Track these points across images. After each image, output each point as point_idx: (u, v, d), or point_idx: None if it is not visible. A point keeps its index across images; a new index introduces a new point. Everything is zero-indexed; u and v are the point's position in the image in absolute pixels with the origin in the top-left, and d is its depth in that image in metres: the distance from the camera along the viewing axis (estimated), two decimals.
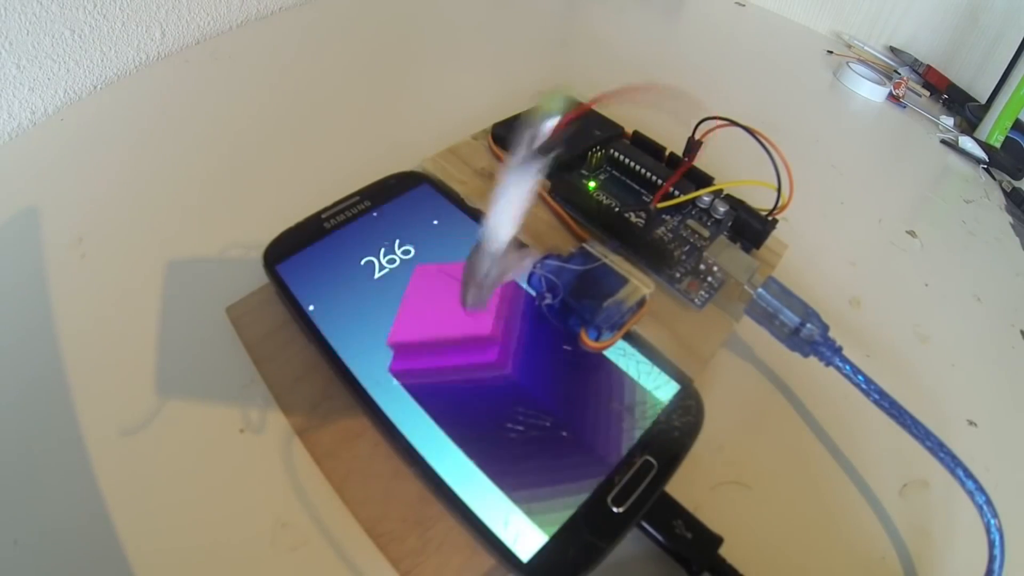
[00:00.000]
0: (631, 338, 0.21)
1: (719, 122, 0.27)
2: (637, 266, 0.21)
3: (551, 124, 0.16)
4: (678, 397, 0.20)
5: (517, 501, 0.17)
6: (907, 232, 0.35)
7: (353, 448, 0.19)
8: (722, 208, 0.28)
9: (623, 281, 0.20)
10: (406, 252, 0.23)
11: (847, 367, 0.21)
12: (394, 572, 0.17)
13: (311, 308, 0.21)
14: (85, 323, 0.22)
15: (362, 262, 0.23)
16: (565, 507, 0.17)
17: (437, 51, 0.42)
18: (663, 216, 0.28)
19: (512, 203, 0.16)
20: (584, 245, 0.22)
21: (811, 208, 0.33)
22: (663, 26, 0.54)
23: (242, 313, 0.22)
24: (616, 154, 0.29)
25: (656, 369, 0.21)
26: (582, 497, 0.17)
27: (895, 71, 0.54)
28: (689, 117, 0.25)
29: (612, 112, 0.33)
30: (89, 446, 0.19)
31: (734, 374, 0.24)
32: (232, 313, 0.22)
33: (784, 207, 0.26)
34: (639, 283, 0.20)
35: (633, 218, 0.27)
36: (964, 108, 0.51)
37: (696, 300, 0.25)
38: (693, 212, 0.28)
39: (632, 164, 0.29)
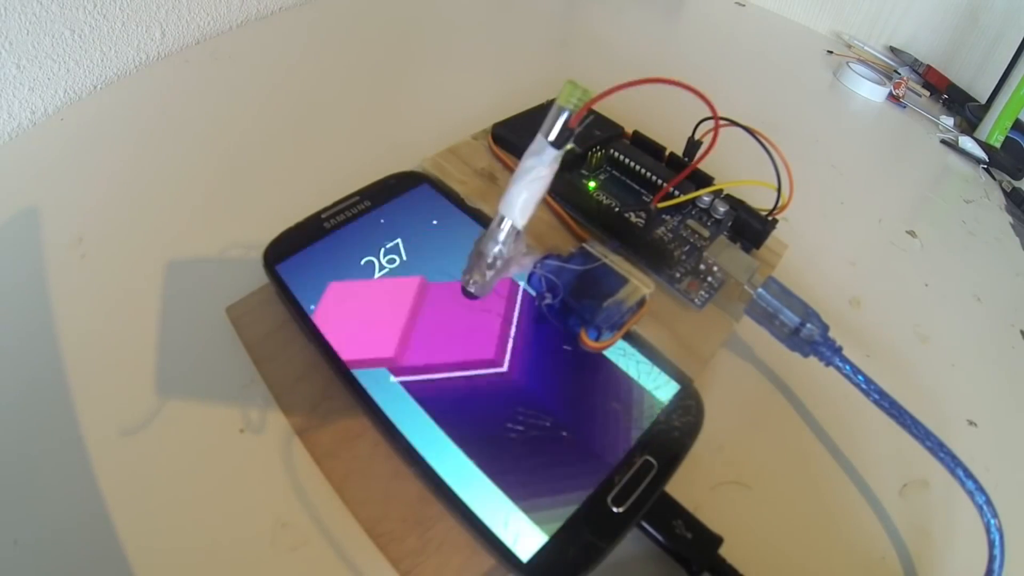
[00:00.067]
0: (631, 338, 0.21)
1: (719, 122, 0.27)
2: (637, 266, 0.21)
3: (567, 116, 0.16)
4: (678, 397, 0.20)
5: (517, 501, 0.17)
6: (907, 232, 0.35)
7: (353, 448, 0.19)
8: (722, 208, 0.28)
9: (623, 281, 0.20)
10: (406, 252, 0.23)
11: (847, 367, 0.21)
12: (394, 572, 0.17)
13: (311, 308, 0.21)
14: (85, 323, 0.22)
15: (362, 262, 0.23)
16: (565, 507, 0.17)
17: (437, 51, 0.42)
18: (663, 216, 0.28)
19: (527, 190, 0.17)
20: (584, 245, 0.22)
21: (811, 208, 0.33)
22: (663, 26, 0.54)
23: (242, 313, 0.22)
24: (616, 154, 0.29)
25: (656, 369, 0.21)
26: (582, 497, 0.17)
27: (895, 71, 0.54)
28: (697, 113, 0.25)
29: (612, 112, 0.33)
30: (89, 446, 0.19)
31: (734, 374, 0.24)
32: (232, 313, 0.22)
33: (784, 207, 0.26)
34: (639, 283, 0.20)
35: (633, 218, 0.27)
36: (964, 108, 0.51)
37: (696, 300, 0.25)
38: (693, 212, 0.28)
39: (632, 164, 0.29)
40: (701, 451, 0.19)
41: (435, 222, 0.25)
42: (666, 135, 0.30)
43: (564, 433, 0.18)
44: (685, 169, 0.27)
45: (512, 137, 0.30)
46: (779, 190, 0.26)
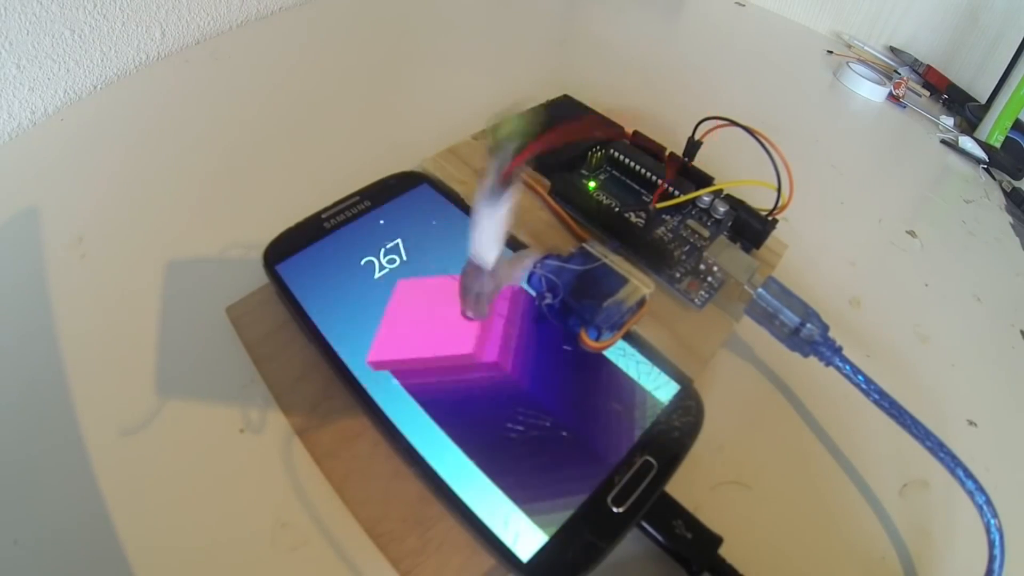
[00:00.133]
0: (631, 338, 0.21)
1: (719, 122, 0.27)
2: (637, 266, 0.21)
3: (507, 155, 0.16)
4: (678, 397, 0.20)
5: (517, 501, 0.17)
6: (907, 232, 0.35)
7: (353, 448, 0.19)
8: (722, 208, 0.28)
9: (623, 281, 0.20)
10: (406, 252, 0.23)
11: (847, 367, 0.21)
12: (394, 572, 0.17)
13: (311, 308, 0.21)
14: (85, 323, 0.22)
15: (362, 262, 0.23)
16: (565, 507, 0.17)
17: (437, 51, 0.42)
18: (663, 216, 0.28)
19: (489, 229, 0.17)
20: (584, 245, 0.22)
21: (811, 208, 0.33)
22: (663, 26, 0.54)
23: (242, 313, 0.22)
24: (616, 154, 0.29)
25: (656, 369, 0.21)
26: (582, 497, 0.17)
27: (895, 71, 0.54)
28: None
29: (612, 112, 0.33)
30: (89, 446, 0.19)
31: (734, 374, 0.24)
32: (232, 313, 0.22)
33: (784, 207, 0.26)
34: (639, 283, 0.20)
35: (633, 218, 0.27)
36: (964, 108, 0.51)
37: (696, 300, 0.25)
38: (693, 212, 0.28)
39: (632, 164, 0.29)
40: (701, 451, 0.19)
41: (435, 222, 0.25)
42: (666, 135, 0.30)
43: (564, 433, 0.18)
44: (682, 167, 0.27)
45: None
46: (779, 190, 0.26)
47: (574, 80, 0.40)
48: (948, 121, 0.48)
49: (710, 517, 0.18)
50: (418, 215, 0.25)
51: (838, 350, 0.22)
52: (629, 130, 0.32)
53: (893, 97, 0.49)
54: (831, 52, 0.55)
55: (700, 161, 0.29)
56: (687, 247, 0.27)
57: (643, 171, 0.29)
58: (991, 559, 0.18)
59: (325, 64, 0.39)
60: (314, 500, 0.18)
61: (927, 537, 0.21)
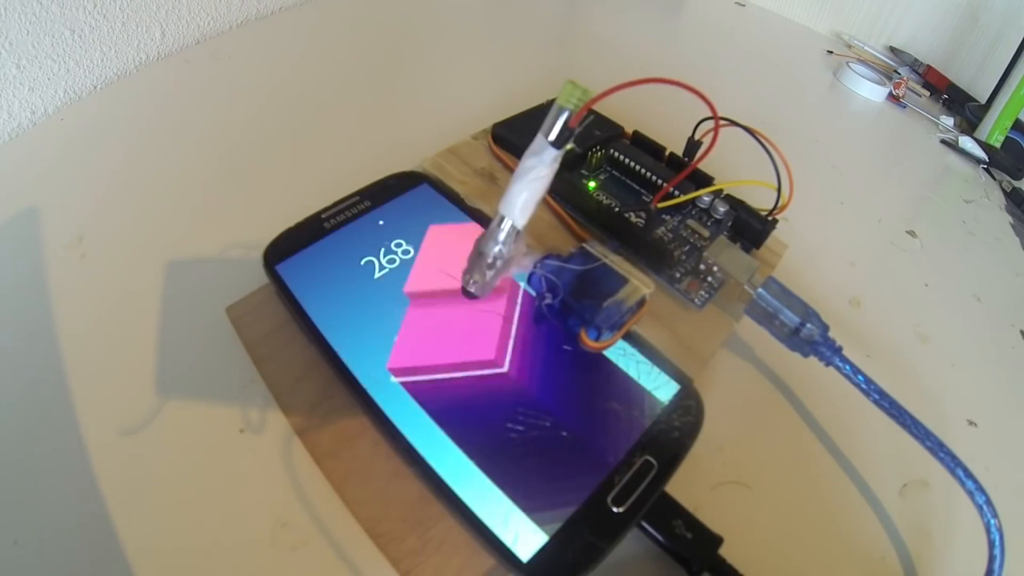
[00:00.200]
0: (631, 338, 0.21)
1: (719, 122, 0.27)
2: (637, 266, 0.21)
3: (567, 116, 0.16)
4: (678, 397, 0.20)
5: (517, 501, 0.17)
6: (907, 232, 0.35)
7: (353, 448, 0.19)
8: (722, 208, 0.28)
9: (623, 281, 0.20)
10: (406, 252, 0.23)
11: (847, 367, 0.21)
12: (394, 572, 0.17)
13: (311, 308, 0.21)
14: (85, 323, 0.22)
15: (362, 262, 0.23)
16: (565, 507, 0.17)
17: (437, 51, 0.42)
18: (663, 216, 0.28)
19: (527, 189, 0.17)
20: (584, 245, 0.22)
21: (811, 208, 0.33)
22: (663, 26, 0.54)
23: (242, 313, 0.22)
24: (616, 154, 0.29)
25: (656, 369, 0.21)
26: (582, 497, 0.17)
27: (895, 71, 0.54)
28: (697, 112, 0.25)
29: (612, 112, 0.33)
30: (89, 446, 0.19)
31: (734, 374, 0.24)
32: (232, 313, 0.22)
33: (784, 207, 0.26)
34: (639, 283, 0.20)
35: (633, 218, 0.27)
36: (964, 108, 0.51)
37: (696, 300, 0.25)
38: (693, 212, 0.28)
39: (632, 164, 0.29)
40: (701, 451, 0.19)
41: (435, 222, 0.25)
42: (666, 135, 0.30)
43: (564, 433, 0.18)
44: (685, 169, 0.27)
45: (512, 137, 0.30)
46: (779, 190, 0.26)
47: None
48: (948, 121, 0.48)
49: (710, 517, 0.18)
50: (418, 215, 0.25)
51: (838, 350, 0.22)
52: (629, 130, 0.32)
53: (893, 97, 0.49)
54: (831, 52, 0.55)
55: (700, 161, 0.29)
56: (687, 247, 0.27)
57: (643, 171, 0.29)
58: (991, 559, 0.18)
59: (325, 64, 0.39)
60: (314, 500, 0.18)
61: (927, 537, 0.21)
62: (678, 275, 0.25)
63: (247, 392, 0.21)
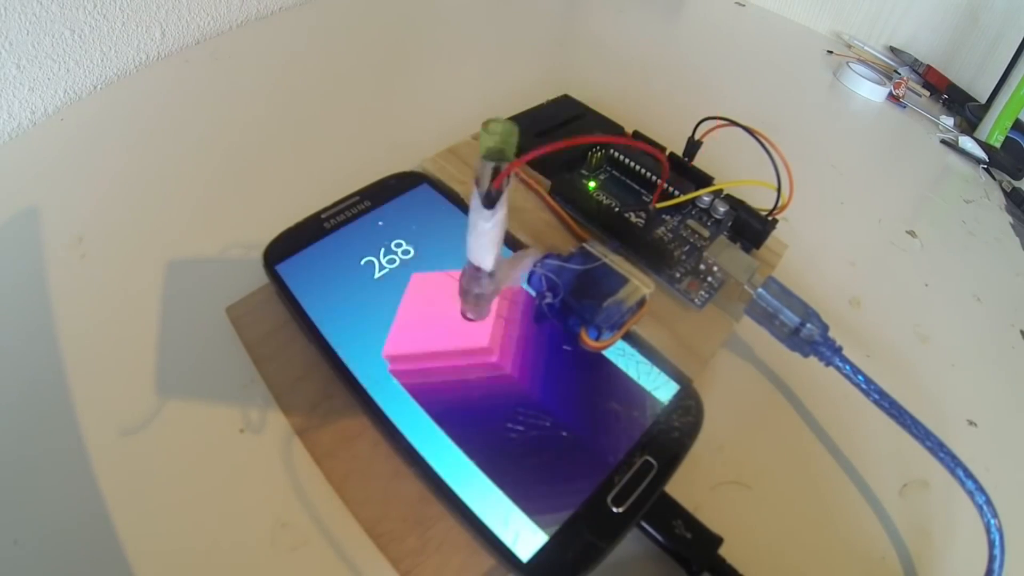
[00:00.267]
0: (631, 338, 0.21)
1: (719, 122, 0.27)
2: (637, 266, 0.21)
3: (491, 169, 0.15)
4: (678, 397, 0.20)
5: (517, 501, 0.17)
6: (907, 232, 0.35)
7: (353, 448, 0.19)
8: (722, 208, 0.28)
9: (623, 281, 0.20)
10: (406, 252, 0.23)
11: (847, 367, 0.21)
12: (394, 572, 0.17)
13: (311, 308, 0.21)
14: (85, 323, 0.22)
15: (362, 262, 0.23)
16: (565, 507, 0.17)
17: (437, 51, 0.42)
18: (663, 216, 0.28)
19: (484, 236, 0.16)
20: (584, 245, 0.22)
21: (811, 208, 0.33)
22: (663, 26, 0.54)
23: (242, 313, 0.22)
24: (616, 154, 0.29)
25: (656, 369, 0.21)
26: (582, 497, 0.17)
27: (895, 71, 0.54)
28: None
29: (612, 112, 0.33)
30: (89, 446, 0.19)
31: (734, 374, 0.24)
32: (232, 313, 0.22)
33: (784, 207, 0.26)
34: (639, 283, 0.20)
35: (633, 218, 0.27)
36: (964, 108, 0.51)
37: (696, 300, 0.25)
38: (693, 212, 0.28)
39: (632, 164, 0.29)
40: (701, 451, 0.19)
41: (435, 222, 0.25)
42: (666, 135, 0.30)
43: (564, 433, 0.18)
44: (680, 167, 0.27)
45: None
46: (779, 190, 0.26)
47: (574, 80, 0.40)
48: (948, 121, 0.48)
49: (710, 517, 0.18)
50: (418, 215, 0.25)
51: (838, 350, 0.22)
52: (629, 130, 0.32)
53: (893, 97, 0.49)
54: (831, 52, 0.55)
55: (700, 161, 0.29)
56: (687, 247, 0.27)
57: (643, 171, 0.29)
58: (991, 559, 0.18)
59: (325, 64, 0.39)
60: (314, 500, 0.18)
61: (927, 537, 0.21)
62: (678, 275, 0.25)
63: (247, 392, 0.21)
